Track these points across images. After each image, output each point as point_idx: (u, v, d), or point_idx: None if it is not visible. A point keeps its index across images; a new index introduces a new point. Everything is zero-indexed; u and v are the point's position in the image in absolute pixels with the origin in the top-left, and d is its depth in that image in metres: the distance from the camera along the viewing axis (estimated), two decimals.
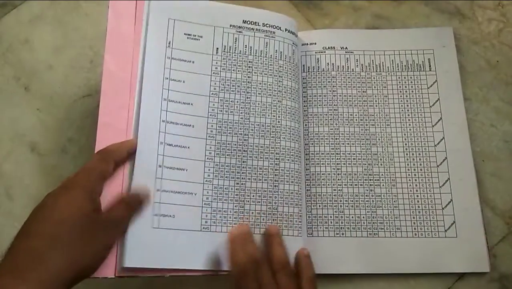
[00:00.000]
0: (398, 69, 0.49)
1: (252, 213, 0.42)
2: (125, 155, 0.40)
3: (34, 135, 0.49)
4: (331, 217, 0.44)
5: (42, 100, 0.50)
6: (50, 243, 0.32)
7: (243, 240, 0.39)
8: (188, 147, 0.42)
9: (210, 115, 0.43)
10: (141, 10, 0.44)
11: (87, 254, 0.34)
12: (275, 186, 0.43)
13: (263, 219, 0.42)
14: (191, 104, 0.43)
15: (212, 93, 0.44)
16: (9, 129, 0.49)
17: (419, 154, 0.46)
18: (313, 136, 0.47)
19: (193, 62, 0.44)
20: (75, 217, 0.34)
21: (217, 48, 0.45)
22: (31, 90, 0.51)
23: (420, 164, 0.46)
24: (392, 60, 0.50)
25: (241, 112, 0.44)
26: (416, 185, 0.45)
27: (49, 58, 0.52)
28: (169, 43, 0.44)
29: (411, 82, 0.49)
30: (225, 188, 0.42)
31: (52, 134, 0.49)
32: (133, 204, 0.39)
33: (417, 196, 0.45)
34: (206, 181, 0.42)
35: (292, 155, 0.44)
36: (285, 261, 0.39)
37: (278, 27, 0.47)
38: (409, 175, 0.46)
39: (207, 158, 0.42)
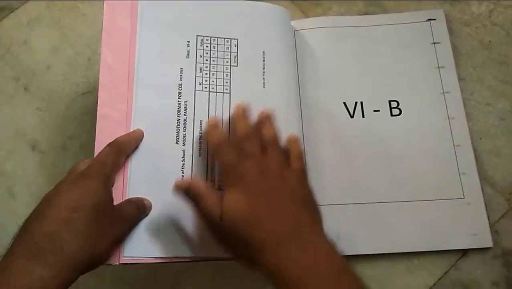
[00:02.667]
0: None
1: None
2: (134, 145, 0.41)
3: (34, 134, 0.50)
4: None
5: (41, 100, 0.51)
6: (66, 227, 0.32)
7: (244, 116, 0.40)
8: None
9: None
10: (136, 4, 0.45)
11: (101, 243, 0.34)
12: None
13: None
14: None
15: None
16: (10, 129, 0.50)
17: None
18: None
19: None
20: (91, 205, 0.34)
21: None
22: (31, 90, 0.51)
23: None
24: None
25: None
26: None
27: (48, 58, 0.52)
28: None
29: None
30: None
31: (52, 132, 0.50)
32: (141, 207, 0.39)
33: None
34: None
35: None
36: (275, 137, 0.39)
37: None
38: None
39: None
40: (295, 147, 0.40)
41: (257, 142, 0.38)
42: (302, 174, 0.39)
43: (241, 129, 0.39)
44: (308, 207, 0.37)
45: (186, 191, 0.36)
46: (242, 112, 0.40)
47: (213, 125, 0.40)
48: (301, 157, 0.40)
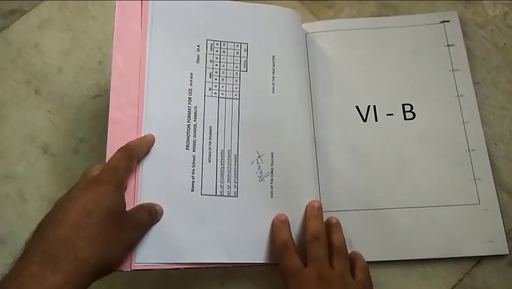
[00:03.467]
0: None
1: None
2: (145, 150, 0.41)
3: (45, 137, 0.50)
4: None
5: (52, 103, 0.51)
6: (80, 233, 0.32)
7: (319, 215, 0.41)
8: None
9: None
10: (146, 8, 0.45)
11: (114, 249, 0.34)
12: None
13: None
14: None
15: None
16: (21, 132, 0.50)
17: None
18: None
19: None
20: (104, 210, 0.34)
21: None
22: (42, 93, 0.51)
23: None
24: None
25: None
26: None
27: (59, 61, 0.52)
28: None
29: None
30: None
31: (63, 135, 0.50)
32: (153, 212, 0.39)
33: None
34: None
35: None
36: (343, 245, 0.40)
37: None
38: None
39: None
40: (360, 259, 0.41)
41: (325, 247, 0.39)
42: (367, 287, 0.39)
43: (312, 228, 0.40)
44: None
45: None
46: (317, 211, 0.41)
47: (281, 222, 0.41)
48: (366, 270, 0.40)
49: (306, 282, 0.37)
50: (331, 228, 0.41)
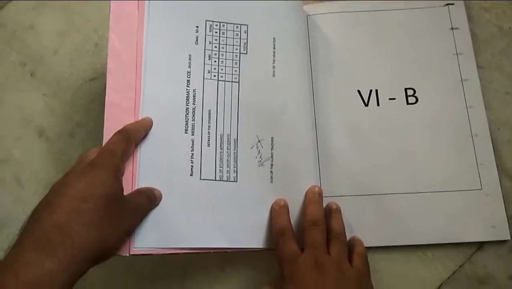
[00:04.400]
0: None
1: None
2: (143, 134, 0.40)
3: (41, 120, 0.49)
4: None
5: (48, 85, 0.50)
6: (76, 218, 0.31)
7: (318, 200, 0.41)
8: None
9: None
10: None
11: (111, 234, 0.33)
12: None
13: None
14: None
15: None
16: (17, 115, 0.49)
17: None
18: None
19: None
20: (101, 195, 0.33)
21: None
22: (37, 75, 0.50)
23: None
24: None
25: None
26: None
27: (54, 43, 0.51)
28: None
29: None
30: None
31: (59, 119, 0.49)
32: (152, 197, 0.38)
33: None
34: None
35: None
36: (342, 232, 0.40)
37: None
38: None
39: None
40: (359, 246, 0.41)
41: (323, 233, 0.39)
42: (363, 273, 0.38)
43: (311, 214, 0.40)
44: None
45: None
46: (317, 197, 0.41)
47: (280, 207, 0.41)
48: (364, 256, 0.40)
49: (301, 267, 0.37)
50: (330, 213, 0.41)
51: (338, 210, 0.42)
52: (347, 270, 0.37)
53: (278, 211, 0.40)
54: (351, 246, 0.40)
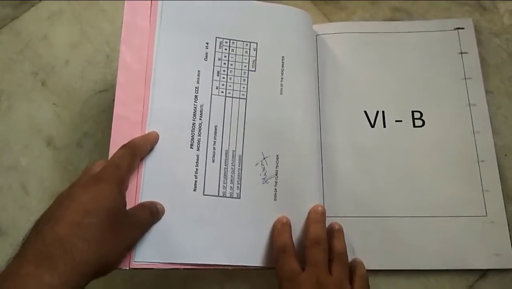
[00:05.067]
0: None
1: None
2: (148, 148, 0.40)
3: (50, 129, 0.49)
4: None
5: (58, 95, 0.51)
6: (78, 232, 0.31)
7: (321, 220, 0.40)
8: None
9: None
10: (156, 4, 0.44)
11: (113, 249, 0.33)
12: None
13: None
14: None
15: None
16: (26, 124, 0.50)
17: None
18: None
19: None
20: (104, 209, 0.33)
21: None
22: (48, 85, 0.51)
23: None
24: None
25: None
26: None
27: (66, 54, 0.52)
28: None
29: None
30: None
31: (68, 129, 0.50)
32: (155, 212, 0.38)
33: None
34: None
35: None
36: (344, 252, 0.40)
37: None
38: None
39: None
40: (361, 268, 0.40)
41: (325, 252, 0.39)
42: None
43: (313, 233, 0.39)
44: None
45: None
46: (321, 216, 0.40)
47: (282, 225, 0.40)
48: (365, 279, 0.39)
49: (302, 286, 0.36)
50: (333, 233, 0.41)
51: (340, 230, 0.41)
52: None
53: (280, 229, 0.40)
54: (352, 268, 0.40)
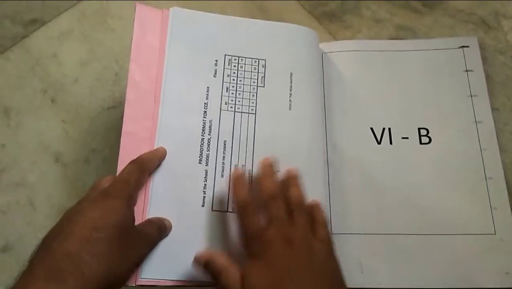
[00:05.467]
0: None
1: None
2: (157, 164, 0.40)
3: (58, 146, 0.50)
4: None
5: (67, 112, 0.51)
6: (87, 248, 0.31)
7: (271, 173, 0.38)
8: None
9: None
10: (166, 19, 0.45)
11: (122, 264, 0.33)
12: None
13: None
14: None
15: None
16: (35, 140, 0.50)
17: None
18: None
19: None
20: (113, 225, 0.33)
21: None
22: (57, 102, 0.52)
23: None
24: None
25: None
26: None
27: (76, 71, 0.53)
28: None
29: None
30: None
31: (76, 145, 0.50)
32: (162, 228, 0.38)
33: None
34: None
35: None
36: (302, 201, 0.38)
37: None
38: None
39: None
40: (319, 213, 0.38)
41: (284, 205, 0.37)
42: (330, 245, 0.37)
43: (267, 188, 0.38)
44: (337, 286, 0.35)
45: (205, 265, 0.35)
46: (269, 169, 0.39)
47: (239, 179, 0.38)
48: (326, 224, 0.38)
49: (271, 244, 0.35)
50: (288, 182, 0.39)
51: (294, 177, 0.39)
52: (315, 244, 0.35)
53: (236, 183, 0.38)
54: (311, 215, 0.38)
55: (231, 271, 0.34)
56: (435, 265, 0.42)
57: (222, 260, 0.35)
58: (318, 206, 0.39)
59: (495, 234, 0.43)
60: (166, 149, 0.41)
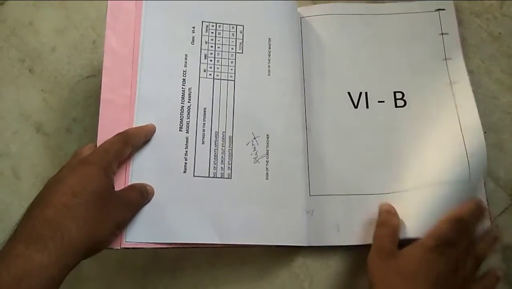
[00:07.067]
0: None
1: None
2: (143, 139, 0.41)
3: (39, 116, 0.50)
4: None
5: (46, 82, 0.51)
6: (66, 213, 0.33)
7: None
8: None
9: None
10: None
11: (102, 228, 0.35)
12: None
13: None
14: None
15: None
16: (15, 111, 0.50)
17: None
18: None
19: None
20: (90, 191, 0.34)
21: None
22: (36, 72, 0.51)
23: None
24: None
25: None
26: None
27: (53, 40, 0.52)
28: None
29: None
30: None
31: (56, 114, 0.50)
32: (144, 193, 0.39)
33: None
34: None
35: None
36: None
37: None
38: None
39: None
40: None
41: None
42: None
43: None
44: None
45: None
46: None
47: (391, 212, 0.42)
48: None
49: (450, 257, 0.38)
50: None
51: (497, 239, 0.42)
52: None
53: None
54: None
55: None
56: (410, 219, 0.43)
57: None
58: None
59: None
60: (146, 117, 0.41)
